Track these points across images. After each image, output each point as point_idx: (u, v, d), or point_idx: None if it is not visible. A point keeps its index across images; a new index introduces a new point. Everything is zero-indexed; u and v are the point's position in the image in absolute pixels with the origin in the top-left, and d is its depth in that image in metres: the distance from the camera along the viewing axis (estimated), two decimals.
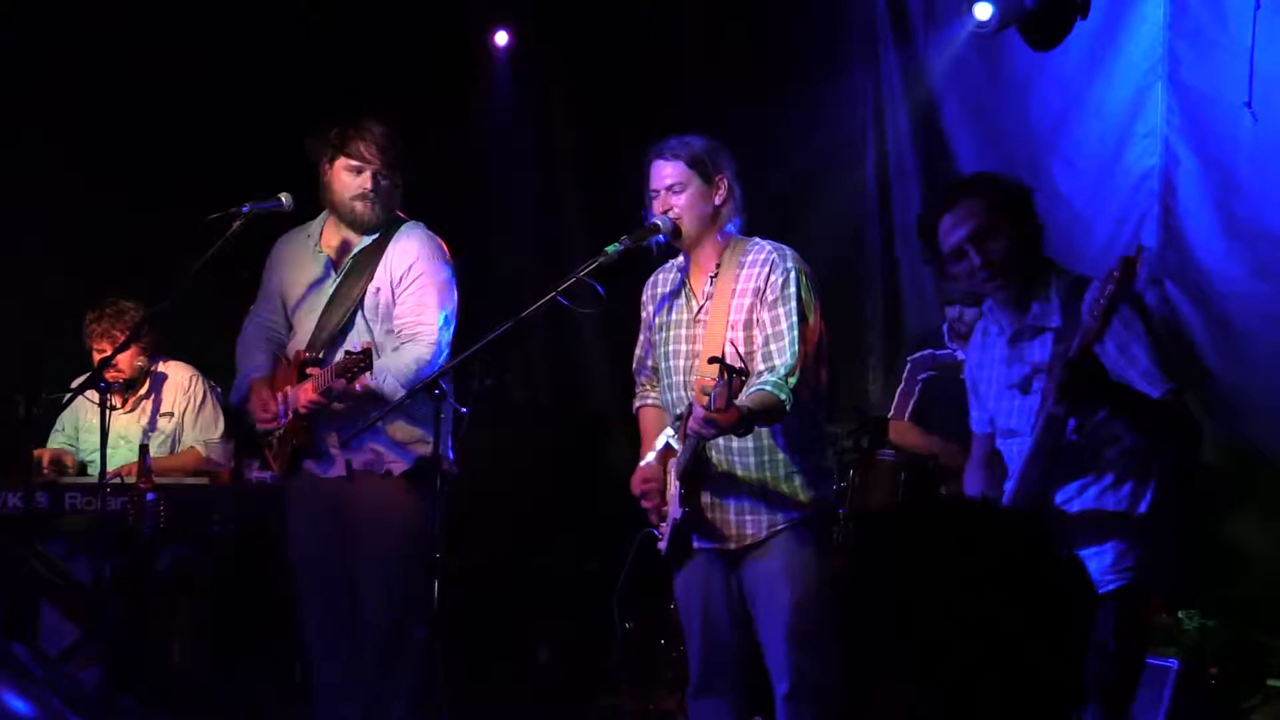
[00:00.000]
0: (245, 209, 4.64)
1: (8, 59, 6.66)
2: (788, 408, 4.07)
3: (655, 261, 4.49)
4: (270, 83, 7.09)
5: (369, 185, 4.73)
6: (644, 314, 4.54)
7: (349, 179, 4.74)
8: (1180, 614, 5.36)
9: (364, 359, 4.43)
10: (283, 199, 4.75)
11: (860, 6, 7.10)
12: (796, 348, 4.12)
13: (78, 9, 6.90)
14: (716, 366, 4.03)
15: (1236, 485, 5.59)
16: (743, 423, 3.97)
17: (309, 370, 4.68)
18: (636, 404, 4.61)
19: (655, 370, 4.51)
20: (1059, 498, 3.55)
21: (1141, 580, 3.54)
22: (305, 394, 4.61)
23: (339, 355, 4.64)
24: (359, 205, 4.75)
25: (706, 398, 3.86)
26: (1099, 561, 3.50)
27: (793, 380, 4.08)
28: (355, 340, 4.71)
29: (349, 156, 4.72)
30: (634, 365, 4.63)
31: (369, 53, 7.43)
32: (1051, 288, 3.66)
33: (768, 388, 4.06)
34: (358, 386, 4.55)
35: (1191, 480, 5.39)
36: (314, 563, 4.85)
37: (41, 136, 6.79)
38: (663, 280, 4.50)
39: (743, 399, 3.96)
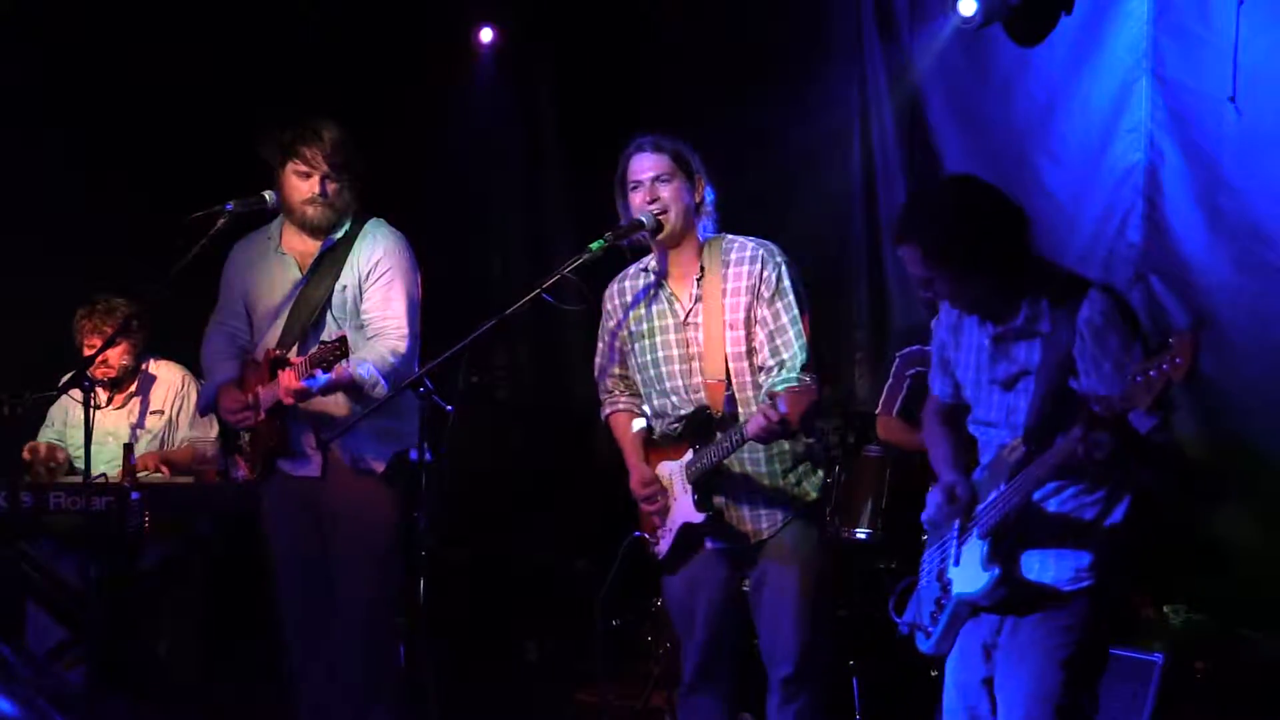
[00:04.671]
0: (229, 207, 4.65)
1: (7, 58, 6.65)
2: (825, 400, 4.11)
3: (626, 260, 4.49)
4: (259, 84, 7.08)
5: (317, 189, 4.74)
6: (609, 322, 4.52)
7: (298, 183, 4.76)
8: (1166, 608, 5.38)
9: (340, 346, 4.44)
10: (267, 197, 4.76)
11: (845, 3, 7.10)
12: (804, 339, 4.19)
13: (78, 8, 6.88)
14: (723, 368, 4.18)
15: (1221, 480, 5.60)
16: (805, 427, 4.05)
17: (291, 359, 4.66)
18: (606, 410, 4.60)
19: (624, 378, 4.53)
20: (1037, 494, 3.55)
21: (1110, 583, 3.58)
22: (288, 381, 4.57)
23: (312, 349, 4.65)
24: (309, 210, 4.77)
25: (772, 402, 3.91)
26: (1075, 560, 3.55)
27: (809, 371, 4.15)
28: (326, 335, 4.71)
29: (297, 161, 4.73)
30: (596, 373, 4.62)
31: (355, 49, 7.43)
32: (1042, 294, 3.55)
33: (794, 384, 4.08)
34: (341, 373, 4.54)
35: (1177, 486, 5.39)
36: (292, 563, 4.86)
37: (39, 135, 6.78)
38: (630, 287, 4.48)
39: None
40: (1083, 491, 3.55)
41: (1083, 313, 3.47)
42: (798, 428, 3.95)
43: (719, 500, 4.29)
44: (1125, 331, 3.46)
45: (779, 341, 4.19)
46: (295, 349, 4.75)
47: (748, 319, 4.23)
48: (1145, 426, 3.39)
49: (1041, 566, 3.57)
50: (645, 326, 4.41)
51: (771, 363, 4.19)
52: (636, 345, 4.44)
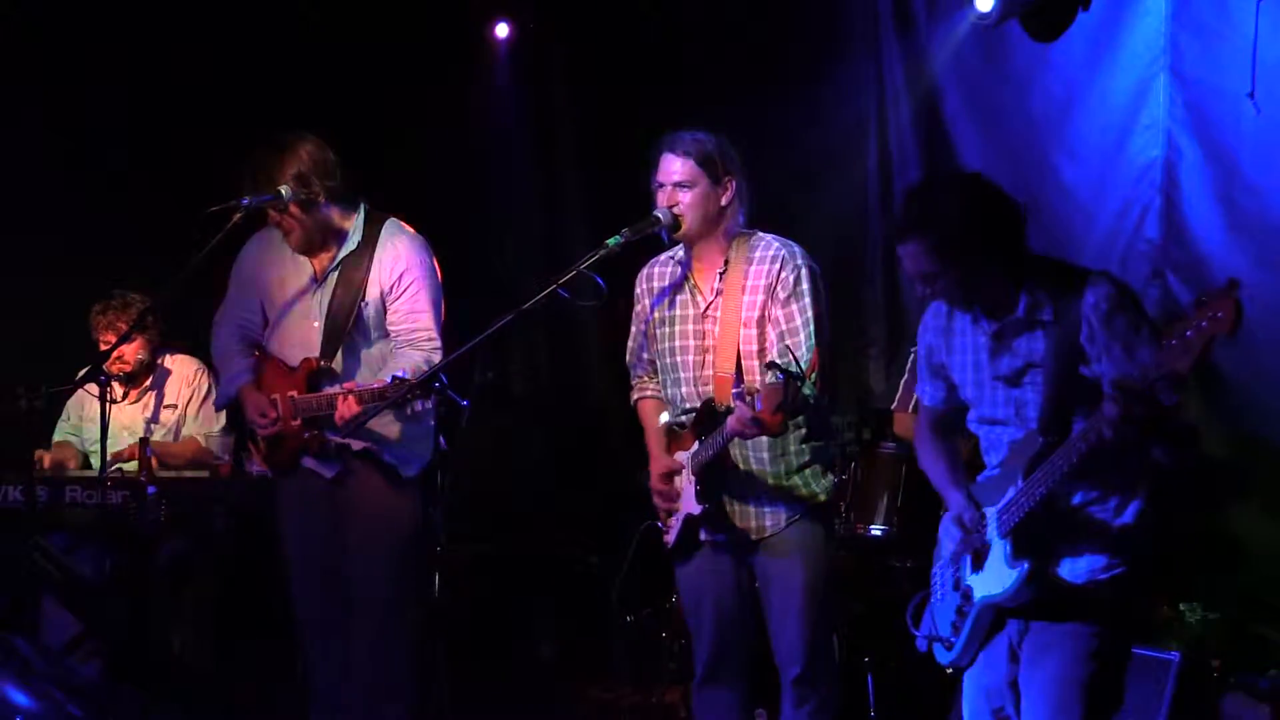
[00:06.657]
0: (245, 202, 4.65)
1: (9, 57, 6.66)
2: (812, 401, 4.08)
3: (655, 250, 4.48)
4: (271, 79, 7.09)
5: (273, 223, 4.77)
6: (638, 306, 4.54)
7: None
8: (1182, 606, 5.35)
9: (422, 389, 4.42)
10: (282, 192, 4.74)
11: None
12: (813, 342, 4.16)
13: (79, 7, 6.89)
14: (734, 363, 4.10)
15: (1238, 477, 5.58)
16: (783, 425, 4.00)
17: (346, 385, 4.62)
18: (635, 396, 4.61)
19: (653, 364, 4.52)
20: (1045, 492, 3.50)
21: (1128, 580, 3.54)
22: (348, 409, 4.52)
23: (360, 366, 4.71)
24: (286, 238, 4.80)
25: (749, 398, 3.88)
26: (1090, 561, 3.52)
27: (814, 375, 4.09)
28: (360, 345, 4.75)
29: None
30: (628, 358, 4.63)
31: (368, 46, 7.43)
32: (1041, 285, 3.54)
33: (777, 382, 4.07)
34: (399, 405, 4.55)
35: (1190, 477, 5.37)
36: (307, 560, 4.85)
37: (43, 133, 6.79)
38: (659, 274, 4.49)
39: None
40: (1093, 493, 3.52)
41: (1087, 300, 3.46)
42: (771, 424, 3.90)
43: (723, 495, 4.29)
44: (1131, 313, 3.45)
45: (789, 343, 4.17)
46: (334, 358, 4.77)
47: (761, 318, 4.24)
48: (1170, 401, 3.34)
49: (1057, 565, 3.54)
50: (668, 314, 4.43)
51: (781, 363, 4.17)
52: (658, 332, 4.45)
